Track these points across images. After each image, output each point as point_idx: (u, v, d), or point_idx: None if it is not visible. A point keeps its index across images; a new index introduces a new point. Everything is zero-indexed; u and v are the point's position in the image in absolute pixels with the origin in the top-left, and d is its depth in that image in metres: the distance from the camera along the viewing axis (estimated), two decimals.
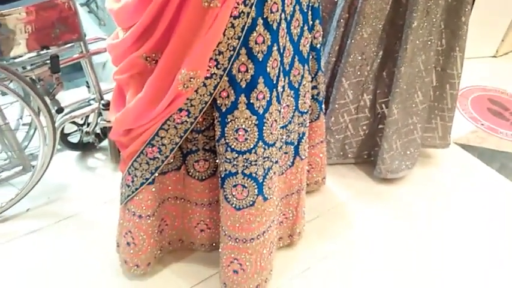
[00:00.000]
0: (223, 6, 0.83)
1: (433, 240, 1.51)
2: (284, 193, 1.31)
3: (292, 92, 1.13)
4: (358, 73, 1.56)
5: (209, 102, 0.98)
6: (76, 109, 1.44)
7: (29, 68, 1.25)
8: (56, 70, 1.24)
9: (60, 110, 1.31)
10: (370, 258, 1.43)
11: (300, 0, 1.00)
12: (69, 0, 1.18)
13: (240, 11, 0.86)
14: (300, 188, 1.34)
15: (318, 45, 1.21)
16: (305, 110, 1.21)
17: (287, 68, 1.07)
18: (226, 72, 0.93)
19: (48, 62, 1.26)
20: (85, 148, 1.67)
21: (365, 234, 1.51)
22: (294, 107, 1.16)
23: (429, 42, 1.47)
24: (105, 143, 1.69)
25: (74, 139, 1.65)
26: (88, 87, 1.50)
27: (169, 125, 1.00)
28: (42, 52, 1.22)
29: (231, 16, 0.86)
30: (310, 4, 1.08)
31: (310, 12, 1.08)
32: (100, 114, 1.50)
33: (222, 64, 0.92)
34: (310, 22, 1.11)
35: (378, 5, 1.42)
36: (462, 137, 2.03)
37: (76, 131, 1.63)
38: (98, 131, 1.62)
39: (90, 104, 1.49)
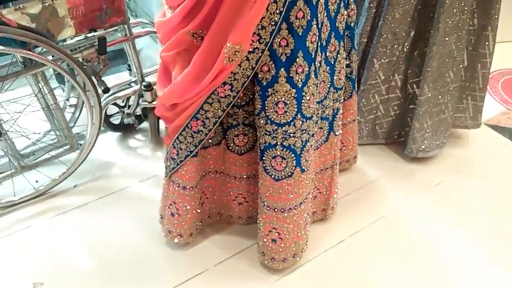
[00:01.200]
0: None
1: (462, 219, 1.53)
2: (319, 168, 1.36)
3: (328, 67, 1.17)
4: (389, 53, 1.58)
5: (251, 76, 1.03)
6: (119, 91, 1.52)
7: (77, 49, 1.33)
8: (103, 52, 1.32)
9: (106, 90, 1.39)
10: (400, 232, 1.47)
11: None
12: None
13: None
14: (334, 163, 1.38)
15: (352, 24, 1.25)
16: (340, 86, 1.26)
17: (324, 44, 1.11)
18: (267, 46, 0.98)
19: (95, 44, 1.33)
20: (126, 129, 1.76)
21: (396, 210, 1.55)
22: (329, 83, 1.20)
23: (461, 22, 1.48)
24: (144, 124, 1.78)
25: (116, 121, 1.74)
26: (129, 70, 1.57)
27: (213, 99, 1.06)
28: (89, 35, 1.30)
29: None
30: None
31: None
32: (141, 95, 1.58)
33: (264, 39, 0.97)
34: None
35: (405, 6, 1.44)
36: (492, 118, 2.02)
37: (118, 112, 1.71)
38: (138, 113, 1.70)
39: (132, 86, 1.56)
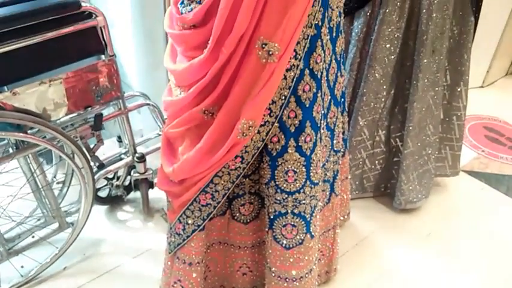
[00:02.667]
0: (280, 61, 0.91)
1: (457, 266, 1.58)
2: (322, 230, 1.36)
3: (328, 132, 1.21)
4: (373, 111, 1.66)
5: (261, 148, 1.04)
6: (110, 164, 1.48)
7: (71, 127, 1.30)
8: (98, 128, 1.30)
9: (101, 166, 1.35)
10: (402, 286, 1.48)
11: (335, 50, 1.10)
12: (112, 62, 1.25)
13: (292, 64, 0.95)
14: (336, 224, 1.39)
15: (344, 89, 1.31)
16: (338, 149, 1.29)
17: (325, 111, 1.15)
18: (277, 119, 1.01)
19: (89, 120, 1.31)
20: (114, 201, 1.70)
21: (393, 266, 1.57)
22: (330, 147, 1.24)
23: (436, 79, 1.59)
24: (132, 195, 1.72)
25: (103, 193, 1.68)
26: (119, 141, 1.55)
27: (223, 172, 1.06)
28: (85, 112, 1.28)
29: None
30: (342, 48, 1.19)
31: (342, 61, 1.18)
32: (132, 167, 1.54)
33: (274, 112, 1.00)
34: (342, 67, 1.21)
35: (387, 49, 1.54)
36: (467, 164, 2.13)
37: (105, 185, 1.65)
38: (126, 184, 1.65)
39: (122, 158, 1.53)
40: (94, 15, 1.19)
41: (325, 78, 1.08)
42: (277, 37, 0.90)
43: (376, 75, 1.59)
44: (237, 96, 0.95)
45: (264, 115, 0.99)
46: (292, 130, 1.03)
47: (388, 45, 1.54)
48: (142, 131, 2.03)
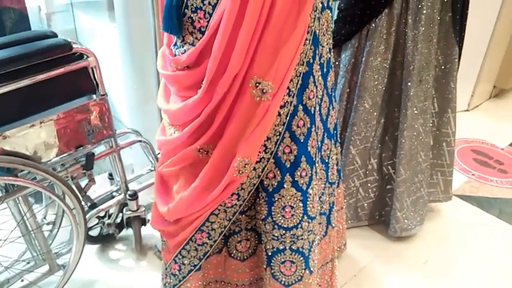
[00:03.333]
0: (274, 99, 0.92)
1: None
2: (320, 263, 1.34)
3: (323, 165, 1.21)
4: (364, 140, 1.67)
5: (257, 184, 1.04)
6: (101, 202, 1.46)
7: (61, 167, 1.28)
8: (90, 167, 1.28)
9: (93, 206, 1.33)
10: None
11: (327, 85, 1.12)
12: (104, 101, 1.25)
13: (285, 101, 0.96)
14: (333, 256, 1.38)
15: (335, 120, 1.32)
16: (333, 181, 1.29)
17: (319, 145, 1.15)
18: (272, 155, 1.01)
19: (80, 160, 1.29)
20: (105, 240, 1.66)
21: None
22: (325, 179, 1.24)
23: (425, 107, 1.62)
24: (124, 233, 1.69)
25: (94, 232, 1.64)
26: (111, 179, 1.52)
27: (219, 210, 1.05)
28: (76, 151, 1.26)
29: None
30: (333, 82, 1.20)
31: (333, 94, 1.20)
32: (125, 204, 1.52)
33: (270, 148, 1.00)
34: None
35: (375, 80, 1.57)
36: (458, 188, 2.15)
37: (97, 224, 1.62)
38: (118, 221, 1.62)
39: (114, 196, 1.50)
40: (85, 56, 1.19)
41: (318, 113, 1.09)
42: (271, 76, 0.91)
43: (366, 105, 1.61)
44: (232, 134, 0.95)
45: (260, 152, 0.99)
46: (288, 165, 1.03)
47: (376, 76, 1.56)
48: (133, 166, 2.01)
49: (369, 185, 1.77)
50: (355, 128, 1.64)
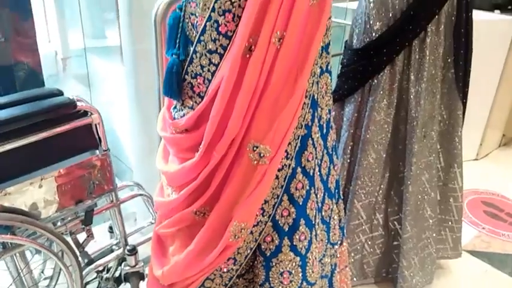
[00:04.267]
0: (271, 163, 0.91)
1: None
2: None
3: (324, 226, 1.18)
4: (368, 195, 1.65)
5: (254, 248, 1.01)
6: (100, 257, 1.43)
7: (60, 222, 1.27)
8: (89, 223, 1.27)
9: (90, 262, 1.31)
10: None
11: (327, 145, 1.11)
12: (106, 157, 1.26)
13: (283, 164, 0.95)
14: None
15: (337, 177, 1.30)
16: (335, 241, 1.26)
17: (319, 205, 1.13)
18: (270, 218, 0.99)
19: (79, 215, 1.28)
20: None
21: None
22: (326, 241, 1.20)
23: (430, 162, 1.60)
24: (121, 286, 1.65)
25: (92, 286, 1.60)
26: (110, 232, 1.51)
27: (215, 274, 1.02)
28: (76, 206, 1.25)
29: None
30: (333, 140, 1.19)
31: (334, 153, 1.19)
32: (124, 259, 1.49)
33: (267, 211, 0.98)
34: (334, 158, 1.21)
35: (379, 134, 1.56)
36: (468, 243, 2.08)
37: (95, 277, 1.59)
38: (117, 275, 1.59)
39: (113, 250, 1.48)
40: (89, 113, 1.21)
41: (318, 174, 1.08)
42: (268, 140, 0.90)
43: (370, 159, 1.59)
44: (229, 197, 0.94)
45: (257, 215, 0.97)
46: (286, 229, 1.00)
47: (379, 131, 1.56)
48: (136, 214, 1.99)
49: (375, 240, 1.73)
50: (360, 182, 1.62)
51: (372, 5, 1.45)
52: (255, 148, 0.91)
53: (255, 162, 0.91)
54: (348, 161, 1.66)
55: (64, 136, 1.19)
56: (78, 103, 1.18)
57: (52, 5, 3.49)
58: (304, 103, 0.95)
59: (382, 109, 1.53)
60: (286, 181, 0.97)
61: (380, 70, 1.49)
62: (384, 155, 1.60)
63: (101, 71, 3.17)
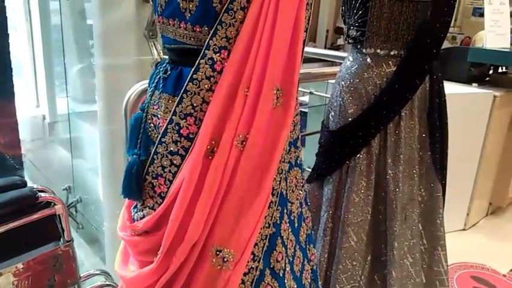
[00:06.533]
0: (236, 268, 0.86)
1: None
2: None
3: None
4: (351, 280, 1.57)
5: None
6: None
7: None
8: None
9: None
10: None
11: (299, 239, 1.06)
12: (69, 248, 1.20)
13: (250, 267, 0.90)
14: None
15: (315, 267, 1.24)
16: None
17: None
18: None
19: None
20: None
21: None
22: None
23: (412, 245, 1.55)
24: None
25: None
26: None
27: None
28: None
29: None
30: (307, 233, 1.14)
31: (308, 245, 1.13)
32: None
33: None
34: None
35: (359, 216, 1.52)
36: None
37: None
38: None
39: None
40: (52, 204, 1.16)
41: (290, 272, 1.02)
42: (232, 243, 0.86)
43: (351, 241, 1.54)
44: None
45: None
46: None
47: (359, 213, 1.52)
48: None
49: None
50: (341, 267, 1.55)
51: (345, 89, 1.47)
52: (218, 252, 0.86)
53: (218, 267, 0.86)
54: (329, 243, 1.60)
55: (25, 228, 1.13)
56: (42, 194, 1.14)
57: (42, 70, 3.56)
58: (272, 201, 0.91)
59: (361, 191, 1.50)
60: (253, 285, 0.91)
61: (356, 152, 1.48)
62: (365, 238, 1.55)
63: (88, 135, 3.16)
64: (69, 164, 3.17)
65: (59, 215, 1.17)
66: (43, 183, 3.35)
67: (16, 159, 1.56)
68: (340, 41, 4.96)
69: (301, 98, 3.11)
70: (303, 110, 2.95)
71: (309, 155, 2.51)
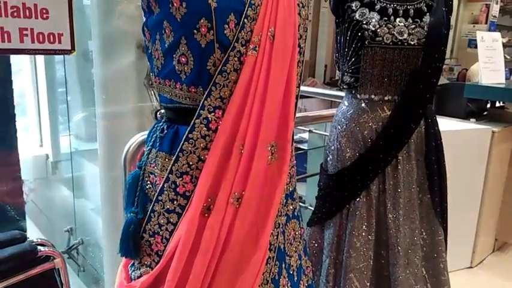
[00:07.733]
0: None
1: None
2: None
3: None
4: None
5: None
6: None
7: None
8: None
9: None
10: None
11: None
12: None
13: None
14: None
15: None
16: None
17: None
18: None
19: None
20: None
21: None
22: None
23: None
24: None
25: None
26: None
27: None
28: None
29: None
30: (307, 285, 1.13)
31: None
32: None
33: None
34: None
35: (361, 261, 1.50)
36: None
37: None
38: None
39: None
40: (51, 258, 1.16)
41: None
42: None
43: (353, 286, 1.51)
44: None
45: None
46: None
47: (361, 258, 1.50)
48: None
49: None
50: None
51: (342, 133, 1.49)
52: None
53: None
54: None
55: (24, 283, 1.12)
56: (41, 248, 1.14)
57: (45, 110, 3.60)
58: (269, 257, 0.91)
59: (361, 235, 1.49)
60: None
61: (356, 196, 1.48)
62: (368, 284, 1.53)
63: (90, 174, 3.17)
64: (71, 203, 3.17)
65: (58, 269, 1.17)
66: (45, 224, 3.33)
67: (17, 209, 1.56)
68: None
69: (301, 135, 3.14)
70: (302, 147, 2.97)
71: (309, 192, 2.51)
